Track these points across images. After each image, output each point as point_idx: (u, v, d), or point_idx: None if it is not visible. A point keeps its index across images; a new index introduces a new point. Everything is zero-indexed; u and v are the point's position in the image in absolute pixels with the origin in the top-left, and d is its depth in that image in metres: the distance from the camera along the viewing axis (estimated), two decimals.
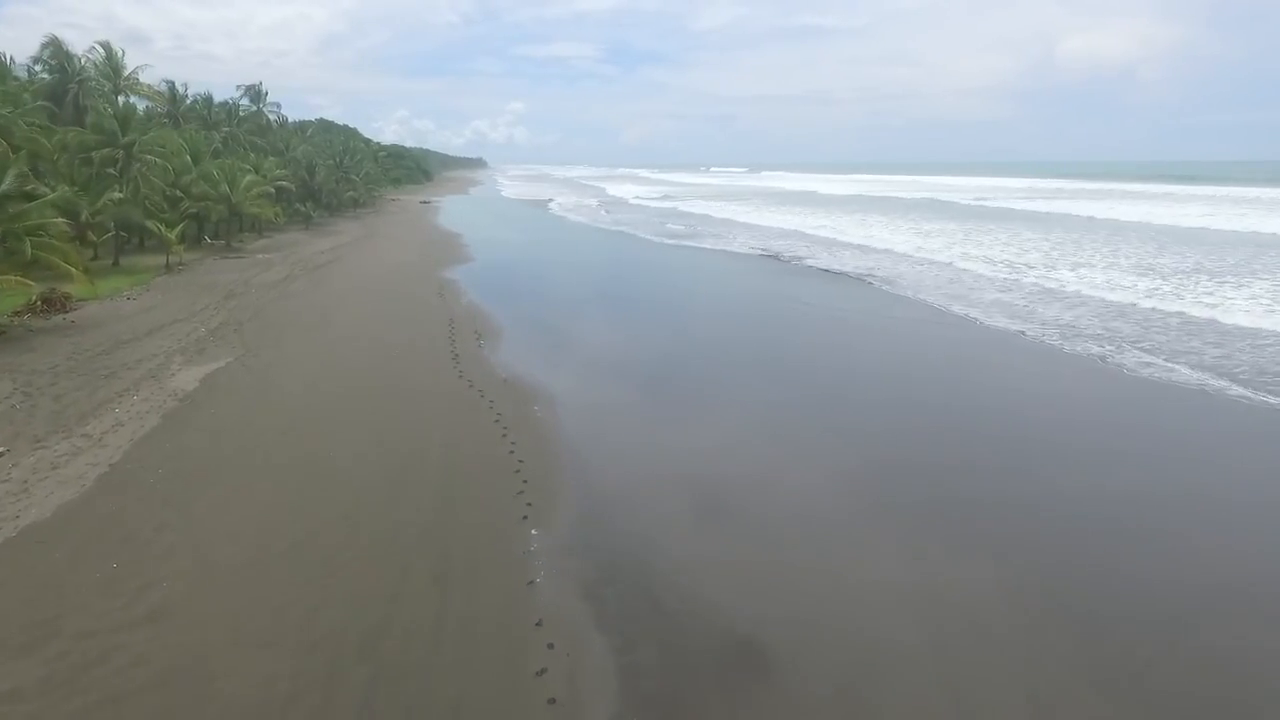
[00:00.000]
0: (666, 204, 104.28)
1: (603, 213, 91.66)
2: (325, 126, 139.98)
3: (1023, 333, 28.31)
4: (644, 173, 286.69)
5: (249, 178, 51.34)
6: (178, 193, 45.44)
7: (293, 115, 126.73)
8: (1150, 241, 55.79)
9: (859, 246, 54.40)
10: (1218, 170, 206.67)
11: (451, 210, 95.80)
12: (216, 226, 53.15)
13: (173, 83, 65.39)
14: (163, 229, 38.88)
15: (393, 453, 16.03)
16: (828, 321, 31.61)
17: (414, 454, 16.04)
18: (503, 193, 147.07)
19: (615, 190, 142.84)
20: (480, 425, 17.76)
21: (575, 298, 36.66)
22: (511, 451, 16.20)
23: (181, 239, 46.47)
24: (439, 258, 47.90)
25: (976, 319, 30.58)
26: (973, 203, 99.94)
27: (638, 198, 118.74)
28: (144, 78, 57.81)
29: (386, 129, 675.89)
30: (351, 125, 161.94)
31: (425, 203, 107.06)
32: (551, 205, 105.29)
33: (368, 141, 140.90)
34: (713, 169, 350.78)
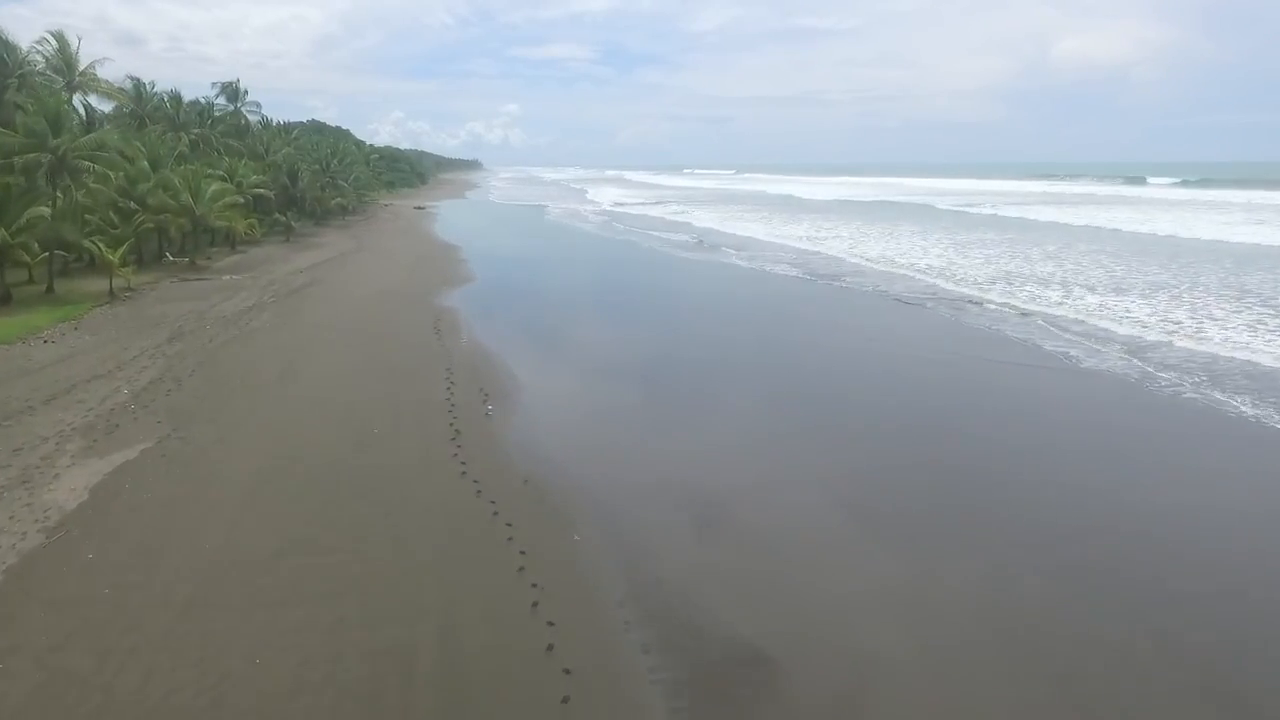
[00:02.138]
0: (653, 211, 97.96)
1: (593, 217, 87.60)
2: (317, 128, 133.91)
3: (1144, 380, 22.68)
4: (631, 175, 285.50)
5: (216, 185, 45.09)
6: (131, 204, 39.25)
7: (289, 117, 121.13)
8: (1226, 256, 50.08)
9: (889, 263, 48.53)
10: (1217, 171, 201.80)
11: (448, 216, 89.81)
12: (181, 242, 46.93)
13: (139, 80, 59.13)
14: (103, 249, 32.55)
15: (356, 661, 9.89)
16: (927, 371, 25.45)
17: (391, 655, 9.94)
18: (494, 197, 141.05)
19: (596, 194, 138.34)
20: (495, 579, 11.67)
21: (600, 332, 30.54)
22: (551, 647, 10.10)
23: (137, 257, 40.38)
24: (435, 277, 41.71)
25: (1079, 360, 25.10)
26: (990, 211, 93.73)
27: (617, 204, 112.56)
28: (110, 74, 51.54)
29: (382, 130, 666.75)
30: (346, 127, 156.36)
31: (420, 208, 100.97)
32: (548, 210, 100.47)
33: (360, 144, 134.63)
34: (697, 171, 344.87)
